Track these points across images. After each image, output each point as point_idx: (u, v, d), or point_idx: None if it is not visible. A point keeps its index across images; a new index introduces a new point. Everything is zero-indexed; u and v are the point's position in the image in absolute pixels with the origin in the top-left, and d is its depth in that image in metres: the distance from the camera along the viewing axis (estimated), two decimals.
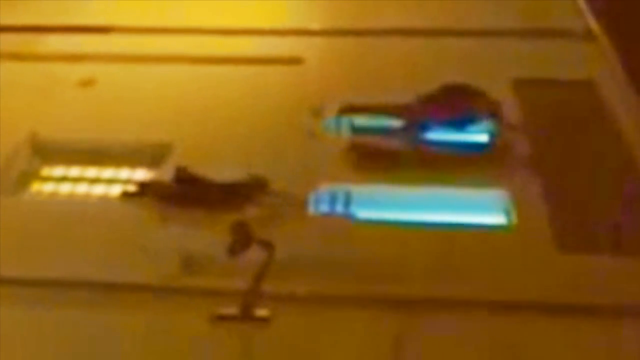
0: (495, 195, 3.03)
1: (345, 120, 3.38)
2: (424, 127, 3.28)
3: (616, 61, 3.79)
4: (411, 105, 3.30)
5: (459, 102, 3.27)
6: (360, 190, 3.08)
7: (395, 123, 3.31)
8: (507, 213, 2.97)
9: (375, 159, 3.24)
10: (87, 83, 3.78)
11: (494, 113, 3.26)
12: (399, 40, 4.02)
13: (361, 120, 3.38)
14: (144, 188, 3.10)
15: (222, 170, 3.06)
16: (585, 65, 3.77)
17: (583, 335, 2.49)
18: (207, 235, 2.81)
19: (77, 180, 3.29)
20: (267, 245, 2.57)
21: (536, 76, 3.71)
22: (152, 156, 3.30)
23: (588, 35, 3.97)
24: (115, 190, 3.18)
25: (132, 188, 3.14)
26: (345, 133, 3.37)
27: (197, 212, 2.94)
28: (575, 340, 2.48)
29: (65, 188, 3.26)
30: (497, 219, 2.97)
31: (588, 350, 2.45)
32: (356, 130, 3.37)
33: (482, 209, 3.00)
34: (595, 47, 3.91)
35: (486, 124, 3.27)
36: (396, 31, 4.08)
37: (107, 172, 3.31)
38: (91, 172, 3.32)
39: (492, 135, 3.28)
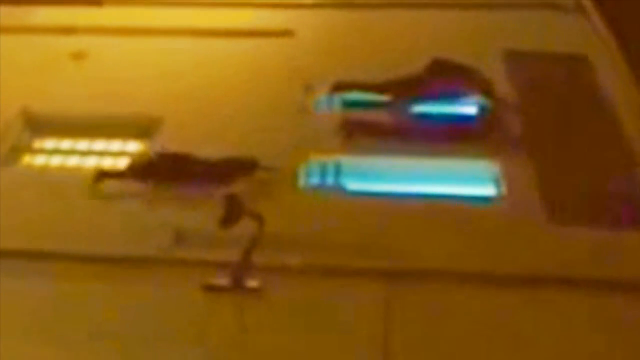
0: (485, 167, 3.04)
1: (337, 97, 3.39)
2: (414, 101, 3.29)
3: (606, 34, 3.79)
4: (402, 81, 3.31)
5: (450, 81, 3.27)
6: (351, 162, 3.09)
7: (386, 98, 3.31)
8: (497, 184, 2.98)
9: (366, 133, 3.24)
10: (79, 56, 3.77)
11: (485, 91, 3.27)
12: (389, 13, 4.02)
13: (353, 96, 3.39)
14: (125, 169, 3.09)
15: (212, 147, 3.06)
16: (575, 38, 3.77)
17: (571, 307, 2.51)
18: (197, 211, 2.81)
19: (68, 152, 3.29)
20: (258, 218, 2.58)
21: (526, 48, 3.71)
22: (143, 129, 3.30)
23: (578, 7, 3.97)
24: (106, 163, 3.19)
25: (107, 166, 3.13)
26: (337, 109, 3.38)
27: (185, 188, 2.95)
28: (563, 311, 2.50)
29: (56, 160, 3.27)
30: (487, 190, 2.98)
31: (575, 322, 2.47)
32: (348, 105, 3.38)
33: (472, 180, 3.01)
34: (585, 20, 3.91)
35: (476, 99, 3.28)
36: (387, 4, 4.08)
37: (99, 145, 3.31)
38: (82, 144, 3.32)
39: (483, 109, 3.29)
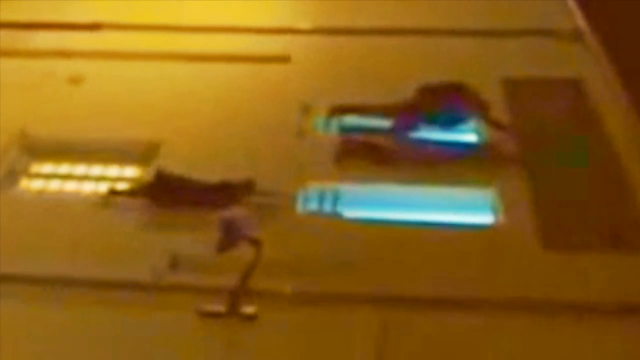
0: (483, 195, 3.04)
1: (334, 121, 3.39)
2: (413, 127, 3.29)
3: (604, 60, 3.80)
4: (401, 105, 3.31)
5: (447, 100, 3.28)
6: (348, 189, 3.09)
7: (385, 123, 3.32)
8: (495, 212, 2.98)
9: (364, 158, 3.25)
10: (76, 80, 3.78)
11: (483, 111, 3.27)
12: (387, 39, 4.03)
13: (350, 120, 3.39)
14: (133, 188, 3.10)
15: (211, 171, 3.06)
16: (573, 64, 3.78)
17: (568, 333, 2.51)
18: (194, 235, 2.81)
19: (65, 177, 3.29)
20: (255, 243, 2.58)
21: (524, 75, 3.72)
22: (140, 154, 3.31)
23: (576, 34, 3.98)
24: (104, 188, 3.18)
25: (120, 187, 3.14)
26: (335, 132, 3.38)
27: (183, 212, 2.95)
28: (559, 337, 2.50)
29: (54, 185, 3.26)
30: (484, 218, 2.98)
31: (571, 348, 2.47)
32: (345, 129, 3.38)
33: (469, 208, 3.01)
34: (583, 47, 3.92)
35: (474, 123, 3.29)
36: (385, 30, 4.09)
37: (96, 170, 3.31)
38: (80, 169, 3.32)
39: (480, 135, 3.29)
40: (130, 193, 3.08)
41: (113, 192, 3.10)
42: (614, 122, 3.41)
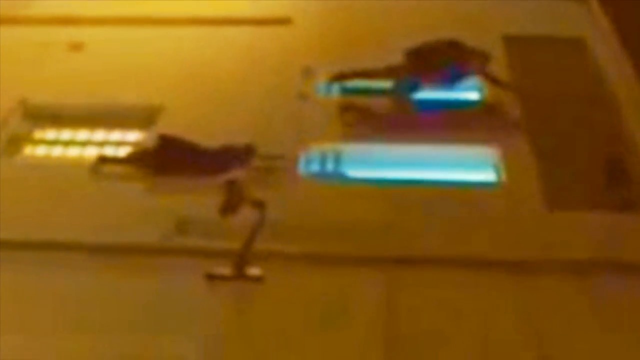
0: (485, 153, 3.04)
1: (336, 85, 3.39)
2: (414, 87, 3.29)
3: (605, 20, 3.79)
4: (401, 67, 3.30)
5: (449, 60, 3.27)
6: (350, 149, 3.09)
7: (386, 85, 3.31)
8: (497, 170, 2.98)
9: (366, 120, 3.25)
10: (77, 47, 3.77)
11: (484, 66, 3.26)
12: (389, 0, 4.02)
13: (352, 82, 3.39)
14: (125, 156, 3.10)
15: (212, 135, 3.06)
16: (573, 23, 3.78)
17: (572, 291, 2.52)
18: (198, 199, 2.81)
19: (68, 143, 3.29)
20: (259, 205, 2.58)
21: (525, 34, 3.71)
22: (143, 118, 3.31)
23: None
24: (108, 152, 3.19)
25: (108, 153, 3.14)
26: (336, 95, 3.38)
27: (184, 178, 2.95)
28: (563, 296, 2.51)
29: (57, 151, 3.27)
30: (486, 175, 2.98)
31: (575, 306, 2.48)
32: (347, 92, 3.38)
33: (471, 166, 3.01)
34: (585, 6, 3.91)
35: (476, 80, 3.29)
36: None
37: (99, 135, 3.31)
38: (82, 135, 3.32)
39: (482, 92, 3.29)
40: (121, 161, 3.07)
41: (102, 160, 3.08)
42: (615, 80, 3.41)
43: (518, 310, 2.47)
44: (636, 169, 2.96)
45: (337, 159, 3.06)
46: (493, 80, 3.30)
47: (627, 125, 3.18)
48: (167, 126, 3.19)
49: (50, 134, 3.34)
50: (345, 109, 3.29)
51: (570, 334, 2.38)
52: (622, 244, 2.65)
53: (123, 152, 3.16)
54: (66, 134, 3.33)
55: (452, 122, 3.18)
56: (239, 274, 2.56)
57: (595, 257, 2.60)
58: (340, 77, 3.38)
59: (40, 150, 3.28)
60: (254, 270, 2.56)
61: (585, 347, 2.34)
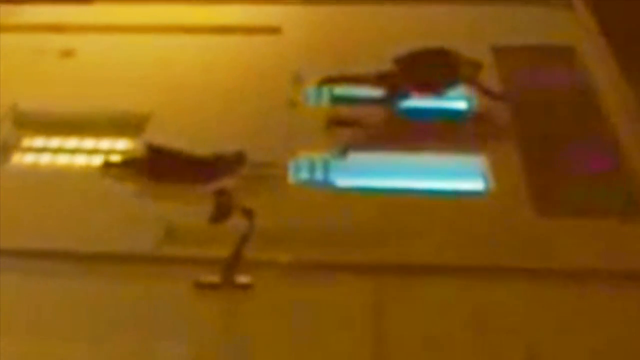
0: (473, 161, 3.05)
1: (325, 92, 3.40)
2: (404, 96, 3.29)
3: (594, 28, 3.80)
4: (391, 74, 3.31)
5: (439, 68, 3.27)
6: (339, 158, 3.10)
7: (375, 92, 3.31)
8: (485, 179, 2.99)
9: (354, 129, 3.25)
10: (67, 54, 3.77)
11: (475, 74, 3.27)
12: (379, 7, 4.02)
13: (341, 90, 3.39)
14: (126, 159, 3.11)
15: (202, 143, 3.06)
16: (563, 31, 3.78)
17: (561, 299, 2.52)
18: (186, 207, 2.81)
19: (58, 150, 3.29)
20: (248, 213, 2.58)
21: (515, 43, 3.72)
22: (133, 127, 3.30)
23: (566, 2, 3.98)
24: (97, 160, 3.18)
25: (115, 158, 3.14)
26: (325, 103, 3.38)
27: (174, 185, 2.95)
28: (553, 304, 2.51)
29: (45, 159, 3.26)
30: (476, 185, 2.99)
31: (564, 313, 2.48)
32: (336, 100, 3.38)
33: (459, 175, 3.02)
34: (573, 14, 3.92)
35: (465, 90, 3.29)
36: None
37: (88, 143, 3.31)
38: (72, 142, 3.31)
39: (471, 102, 3.29)
40: (124, 164, 3.07)
41: (108, 164, 3.09)
42: (605, 88, 3.41)
43: (510, 318, 2.47)
44: (629, 176, 2.97)
45: (326, 168, 3.07)
46: (483, 89, 3.30)
47: (618, 132, 3.18)
48: (157, 134, 3.19)
49: (39, 141, 3.33)
50: (335, 123, 3.29)
51: (563, 342, 2.38)
52: (616, 252, 2.65)
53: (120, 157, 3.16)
54: (56, 142, 3.32)
55: (441, 131, 3.18)
56: (228, 282, 2.56)
57: (588, 264, 2.60)
58: (328, 80, 3.38)
59: (29, 158, 3.27)
60: (242, 278, 2.57)
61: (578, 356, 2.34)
